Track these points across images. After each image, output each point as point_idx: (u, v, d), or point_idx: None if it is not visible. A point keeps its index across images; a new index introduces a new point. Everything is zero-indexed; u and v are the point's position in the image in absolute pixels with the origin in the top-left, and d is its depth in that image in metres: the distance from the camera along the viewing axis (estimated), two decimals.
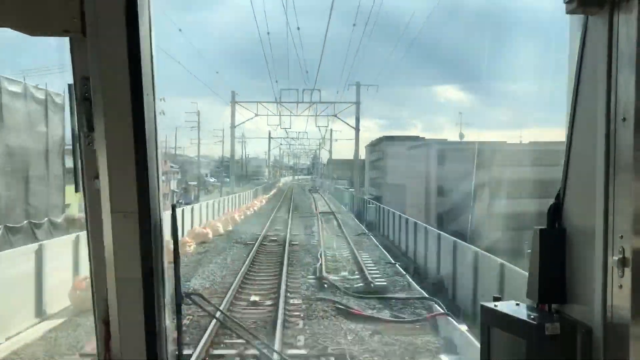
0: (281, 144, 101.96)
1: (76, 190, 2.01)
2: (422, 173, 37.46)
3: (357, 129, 48.15)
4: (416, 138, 51.54)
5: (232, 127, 52.24)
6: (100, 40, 1.85)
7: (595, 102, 1.60)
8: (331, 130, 76.35)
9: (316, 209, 46.00)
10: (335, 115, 47.57)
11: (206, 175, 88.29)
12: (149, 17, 1.93)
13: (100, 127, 1.90)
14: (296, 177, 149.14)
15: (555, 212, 1.80)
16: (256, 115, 47.93)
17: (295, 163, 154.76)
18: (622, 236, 1.52)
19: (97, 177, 1.95)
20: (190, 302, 2.56)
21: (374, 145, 65.91)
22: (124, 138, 1.91)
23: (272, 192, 76.74)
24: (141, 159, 1.93)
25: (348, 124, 49.22)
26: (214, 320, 9.47)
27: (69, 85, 1.95)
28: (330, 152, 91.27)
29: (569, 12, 1.62)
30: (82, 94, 1.91)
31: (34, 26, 1.91)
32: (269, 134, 77.81)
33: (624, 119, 1.51)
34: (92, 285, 2.08)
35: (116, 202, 1.94)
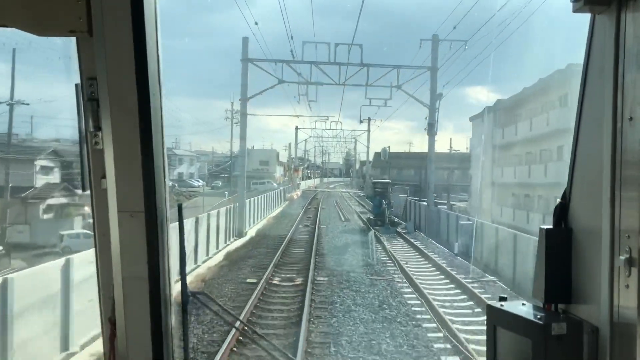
0: (306, 132, 71.10)
1: (83, 190, 2.03)
2: None
3: None
4: None
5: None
6: (107, 40, 1.86)
7: (602, 101, 1.59)
8: None
9: None
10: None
11: (190, 177, 66.94)
12: (155, 16, 1.93)
13: (107, 127, 1.91)
14: (325, 180, 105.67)
15: (562, 211, 1.79)
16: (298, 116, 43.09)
17: (324, 161, 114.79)
18: (628, 236, 1.51)
19: (104, 176, 1.96)
20: (196, 301, 2.56)
21: (514, 109, 29.71)
22: (131, 138, 1.91)
23: (253, 232, 30.01)
24: (148, 159, 1.94)
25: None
26: None
27: (76, 86, 1.96)
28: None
29: (575, 10, 1.61)
30: (89, 94, 1.92)
31: (41, 26, 1.91)
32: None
33: (631, 118, 1.50)
34: (98, 284, 2.09)
35: (123, 202, 1.95)
